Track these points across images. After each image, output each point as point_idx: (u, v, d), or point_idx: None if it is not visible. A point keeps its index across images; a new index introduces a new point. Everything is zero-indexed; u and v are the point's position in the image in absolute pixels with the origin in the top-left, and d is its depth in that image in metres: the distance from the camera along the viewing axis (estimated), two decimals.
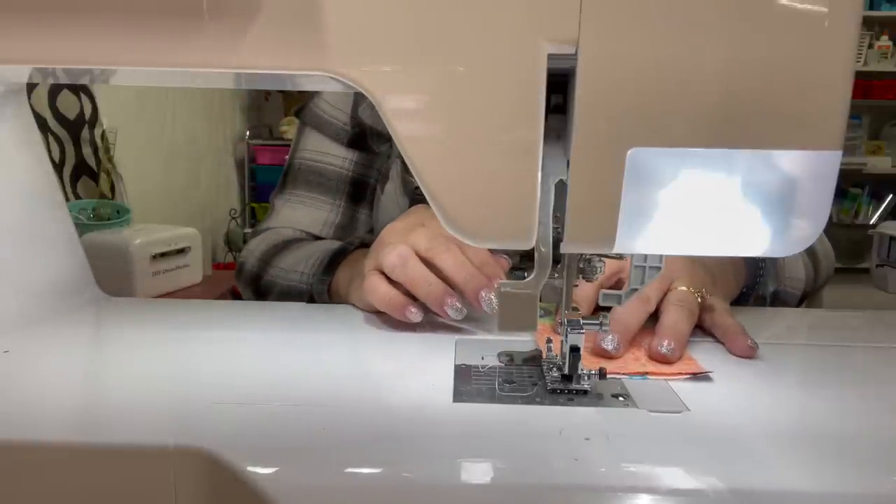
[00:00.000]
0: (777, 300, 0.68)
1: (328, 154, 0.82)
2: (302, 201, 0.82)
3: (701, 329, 0.53)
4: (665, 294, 0.51)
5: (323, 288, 0.66)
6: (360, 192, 0.83)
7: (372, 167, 0.83)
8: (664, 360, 0.46)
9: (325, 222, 0.81)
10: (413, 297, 0.53)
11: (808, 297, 0.74)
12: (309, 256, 0.71)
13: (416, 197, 0.75)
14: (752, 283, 0.65)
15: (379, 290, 0.53)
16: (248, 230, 2.78)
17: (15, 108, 0.54)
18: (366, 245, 0.68)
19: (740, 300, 0.64)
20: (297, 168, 0.83)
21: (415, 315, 0.52)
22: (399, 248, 0.53)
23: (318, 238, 0.81)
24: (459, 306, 0.51)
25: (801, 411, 0.40)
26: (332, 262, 0.67)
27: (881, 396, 0.43)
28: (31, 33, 0.35)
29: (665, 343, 0.46)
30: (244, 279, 0.80)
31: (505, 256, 0.56)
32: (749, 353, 0.48)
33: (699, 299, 0.51)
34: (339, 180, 0.82)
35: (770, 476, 0.32)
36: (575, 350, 0.41)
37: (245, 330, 0.54)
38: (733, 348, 0.49)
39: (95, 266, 0.62)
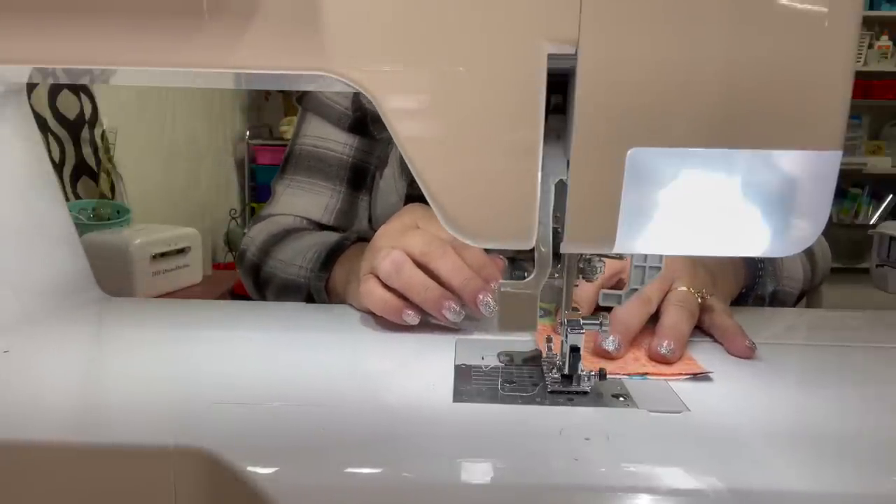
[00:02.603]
0: (775, 300, 0.68)
1: (329, 140, 0.82)
2: (302, 187, 0.82)
3: (700, 329, 0.53)
4: (666, 294, 0.51)
5: (320, 285, 0.66)
6: (360, 178, 0.83)
7: (372, 154, 0.83)
8: (664, 360, 0.46)
9: (325, 207, 0.81)
10: (410, 301, 0.52)
11: (804, 296, 0.74)
12: (307, 250, 0.71)
13: (414, 180, 0.75)
14: (752, 284, 0.65)
15: (374, 295, 0.53)
16: (247, 230, 2.78)
17: (15, 108, 0.54)
18: (363, 239, 0.68)
19: (740, 300, 0.64)
20: (297, 154, 0.83)
21: (411, 318, 0.52)
22: (393, 253, 0.52)
23: (319, 224, 0.82)
24: (458, 309, 0.50)
25: (801, 411, 0.40)
26: (329, 258, 0.67)
27: (881, 396, 0.43)
28: (31, 33, 0.35)
29: (665, 343, 0.46)
30: (245, 268, 0.80)
31: (500, 256, 0.56)
32: (747, 353, 0.48)
33: (699, 300, 0.51)
34: (339, 166, 0.82)
35: (769, 476, 0.32)
36: (575, 350, 0.41)
37: (245, 330, 0.54)
38: (732, 349, 0.49)
39: (95, 266, 0.62)
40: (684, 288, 0.51)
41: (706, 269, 0.56)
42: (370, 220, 0.83)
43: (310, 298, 0.69)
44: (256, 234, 0.80)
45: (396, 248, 0.53)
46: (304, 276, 0.70)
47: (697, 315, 0.51)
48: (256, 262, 0.77)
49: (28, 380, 0.43)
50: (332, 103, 0.82)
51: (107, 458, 0.34)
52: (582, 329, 0.41)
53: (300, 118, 0.85)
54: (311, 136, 0.83)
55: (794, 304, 0.72)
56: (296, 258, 0.72)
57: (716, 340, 0.51)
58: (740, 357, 0.48)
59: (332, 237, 0.72)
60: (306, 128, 0.84)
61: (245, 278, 0.81)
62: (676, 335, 0.47)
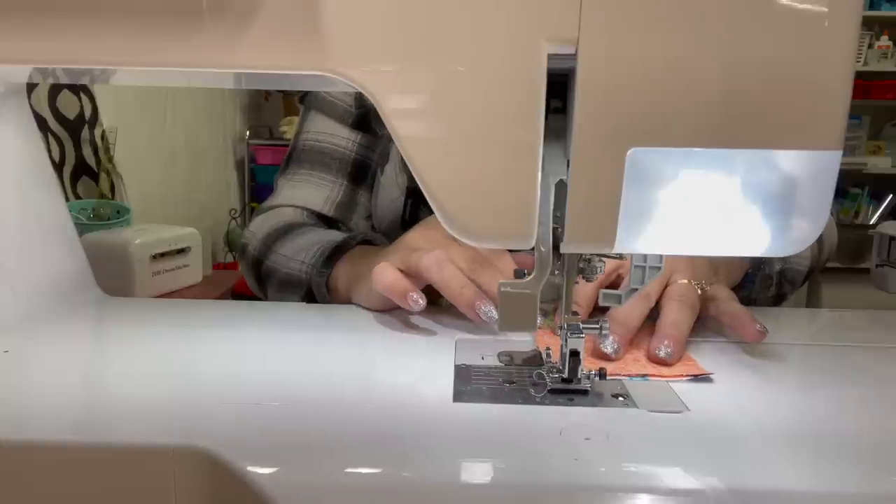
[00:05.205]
0: (784, 279, 0.69)
1: (333, 135, 0.83)
2: (305, 179, 0.83)
3: (706, 319, 0.52)
4: (665, 288, 0.51)
5: (322, 280, 0.66)
6: (361, 173, 0.84)
7: (374, 150, 0.84)
8: (663, 363, 0.46)
9: (326, 199, 0.82)
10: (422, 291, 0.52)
11: (813, 273, 0.74)
12: (311, 246, 0.71)
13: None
14: (758, 263, 0.65)
15: (386, 274, 0.53)
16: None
17: (15, 108, 0.54)
18: (368, 242, 0.68)
19: (745, 281, 0.64)
20: (300, 149, 0.84)
21: (416, 303, 0.51)
22: (436, 252, 0.53)
23: (320, 215, 0.82)
24: (491, 311, 0.50)
25: (801, 411, 0.40)
26: (332, 256, 0.67)
27: (881, 396, 0.43)
28: (31, 33, 0.35)
29: (664, 346, 0.46)
30: (246, 262, 0.80)
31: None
32: (759, 337, 0.48)
33: (699, 291, 0.51)
34: (341, 160, 0.83)
35: (770, 476, 0.32)
36: (575, 354, 0.41)
37: (245, 330, 0.54)
38: (743, 334, 0.49)
39: (95, 266, 0.62)
40: (684, 280, 0.51)
41: (706, 258, 0.56)
42: (369, 218, 0.83)
43: (310, 294, 0.69)
44: (258, 228, 0.80)
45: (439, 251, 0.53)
46: (305, 272, 0.70)
47: (698, 308, 0.51)
48: (258, 256, 0.77)
49: (28, 380, 0.43)
50: (335, 100, 0.83)
51: (107, 458, 0.34)
52: (581, 333, 0.41)
53: (303, 116, 0.86)
54: (314, 132, 0.84)
55: (804, 282, 0.72)
56: (298, 254, 0.72)
57: (721, 335, 0.51)
58: (752, 342, 0.48)
59: (337, 236, 0.72)
60: (309, 125, 0.85)
61: (246, 272, 0.81)
62: (677, 334, 0.47)
